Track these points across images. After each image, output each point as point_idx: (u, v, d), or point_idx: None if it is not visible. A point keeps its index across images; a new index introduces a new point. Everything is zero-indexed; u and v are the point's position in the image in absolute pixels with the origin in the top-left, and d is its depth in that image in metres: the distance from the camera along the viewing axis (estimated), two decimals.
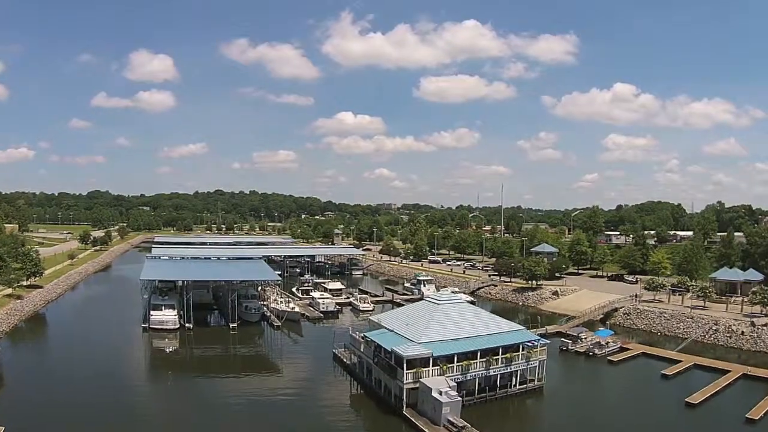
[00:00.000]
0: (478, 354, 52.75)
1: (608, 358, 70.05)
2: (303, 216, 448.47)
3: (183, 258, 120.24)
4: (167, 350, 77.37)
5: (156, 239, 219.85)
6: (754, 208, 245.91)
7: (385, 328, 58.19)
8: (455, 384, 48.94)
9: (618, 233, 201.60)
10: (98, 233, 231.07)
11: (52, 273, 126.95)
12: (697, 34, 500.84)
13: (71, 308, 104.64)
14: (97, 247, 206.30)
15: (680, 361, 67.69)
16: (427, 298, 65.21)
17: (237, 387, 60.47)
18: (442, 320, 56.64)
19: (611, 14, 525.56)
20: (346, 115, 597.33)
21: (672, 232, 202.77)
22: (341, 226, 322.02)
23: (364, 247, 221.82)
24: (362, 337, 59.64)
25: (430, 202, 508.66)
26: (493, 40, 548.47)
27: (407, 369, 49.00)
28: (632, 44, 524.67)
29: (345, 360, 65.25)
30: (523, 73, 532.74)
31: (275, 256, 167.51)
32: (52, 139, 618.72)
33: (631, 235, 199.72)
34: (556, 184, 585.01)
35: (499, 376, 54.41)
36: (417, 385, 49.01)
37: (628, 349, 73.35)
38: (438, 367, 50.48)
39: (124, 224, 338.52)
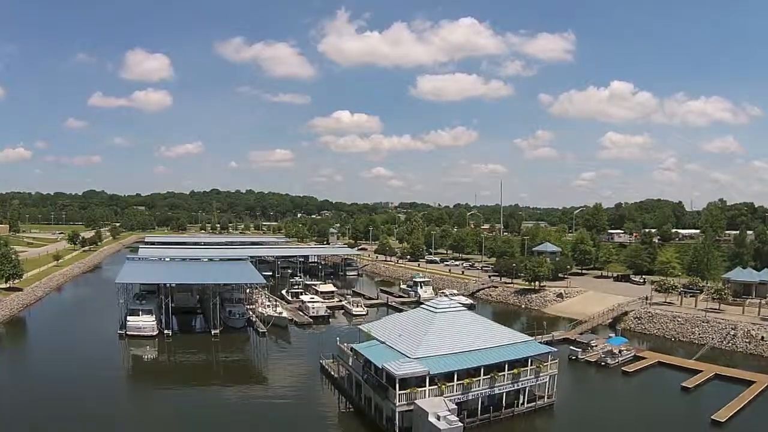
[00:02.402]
0: (482, 370, 46.66)
1: (622, 368, 64.13)
2: (299, 215, 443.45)
3: (165, 259, 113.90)
4: (143, 358, 72.12)
5: (146, 239, 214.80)
6: (756, 206, 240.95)
7: (376, 339, 51.92)
8: (455, 406, 42.84)
9: (622, 231, 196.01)
10: (89, 233, 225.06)
11: (34, 275, 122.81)
12: (695, 31, 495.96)
13: (50, 312, 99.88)
14: (86, 248, 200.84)
15: (700, 371, 62.13)
16: (424, 306, 58.53)
17: (211, 400, 54.77)
18: (440, 331, 50.36)
19: (609, 12, 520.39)
20: (343, 113, 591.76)
21: (674, 231, 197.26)
22: (337, 225, 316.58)
23: (360, 247, 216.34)
24: (351, 350, 53.54)
25: (427, 200, 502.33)
26: (490, 38, 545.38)
27: (400, 389, 42.87)
28: (630, 42, 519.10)
29: (333, 373, 59.22)
30: (521, 72, 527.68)
31: (267, 256, 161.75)
32: (49, 139, 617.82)
33: (634, 233, 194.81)
34: (553, 182, 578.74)
35: (504, 394, 48.35)
36: (411, 407, 43.04)
37: (642, 358, 67.58)
38: (436, 386, 44.39)
39: (117, 224, 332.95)
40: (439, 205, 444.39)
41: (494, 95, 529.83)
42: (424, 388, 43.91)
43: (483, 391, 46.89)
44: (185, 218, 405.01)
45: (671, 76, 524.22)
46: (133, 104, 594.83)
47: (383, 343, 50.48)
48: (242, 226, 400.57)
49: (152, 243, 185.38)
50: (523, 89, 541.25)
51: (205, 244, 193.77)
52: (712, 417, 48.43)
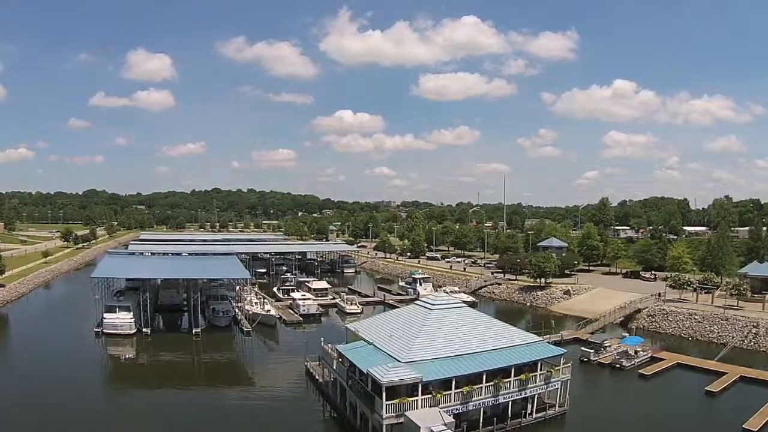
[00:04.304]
0: (484, 376, 40.38)
1: (639, 371, 58.13)
2: (300, 214, 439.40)
3: (149, 254, 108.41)
4: (116, 358, 67.22)
5: (141, 236, 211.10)
6: (762, 203, 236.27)
7: (364, 339, 45.87)
8: (452, 419, 36.80)
9: (628, 227, 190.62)
10: (83, 231, 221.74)
11: (20, 272, 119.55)
12: (699, 30, 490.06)
13: (31, 309, 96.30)
14: (79, 245, 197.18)
15: (724, 374, 56.26)
16: (418, 302, 52.08)
17: (182, 405, 49.61)
18: (436, 331, 44.15)
19: (612, 10, 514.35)
20: (346, 113, 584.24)
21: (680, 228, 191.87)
22: (338, 223, 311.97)
23: (359, 244, 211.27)
24: (335, 351, 47.65)
25: (430, 200, 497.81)
26: (492, 37, 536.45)
27: (387, 399, 36.75)
28: (632, 40, 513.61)
29: (317, 377, 53.39)
30: (523, 70, 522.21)
31: (262, 253, 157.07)
32: (51, 139, 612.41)
33: (641, 230, 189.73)
34: (555, 181, 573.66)
35: (510, 403, 42.10)
36: (401, 420, 37.01)
37: (660, 359, 61.53)
38: (430, 395, 38.26)
39: (115, 222, 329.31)
40: (442, 203, 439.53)
41: (497, 94, 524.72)
42: (416, 398, 37.81)
43: (485, 400, 40.67)
44: (185, 217, 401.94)
45: (674, 74, 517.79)
46: (135, 104, 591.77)
47: (371, 344, 44.44)
48: (242, 225, 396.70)
49: (146, 240, 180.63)
50: (525, 88, 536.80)
51: (201, 241, 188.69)
52: (744, 426, 42.75)
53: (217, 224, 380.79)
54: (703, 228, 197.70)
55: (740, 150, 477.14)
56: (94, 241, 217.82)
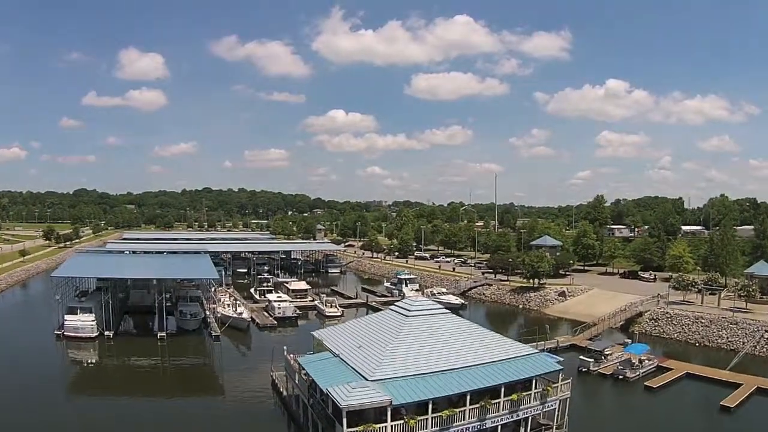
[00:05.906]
0: (468, 397, 33.78)
1: (645, 383, 52.06)
2: (290, 213, 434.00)
3: (127, 252, 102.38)
4: (76, 364, 63.05)
5: (124, 235, 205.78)
6: (758, 201, 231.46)
7: (330, 350, 39.46)
8: None
9: (624, 226, 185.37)
10: (67, 230, 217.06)
11: None
12: (692, 29, 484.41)
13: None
14: (62, 244, 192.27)
15: (738, 385, 50.56)
16: (394, 307, 44.62)
17: (132, 417, 43.79)
18: (412, 342, 37.47)
19: (605, 10, 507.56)
20: (338, 112, 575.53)
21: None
22: (327, 222, 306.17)
23: (347, 243, 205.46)
24: (297, 363, 41.18)
25: (421, 199, 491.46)
26: (485, 36, 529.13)
27: (349, 425, 30.28)
28: (626, 40, 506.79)
29: (282, 390, 47.03)
30: (516, 70, 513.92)
31: (244, 252, 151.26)
32: (44, 138, 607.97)
33: (637, 228, 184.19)
34: (548, 181, 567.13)
35: (499, 427, 35.43)
36: None
37: (667, 369, 55.58)
38: (402, 421, 31.79)
39: (101, 221, 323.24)
40: (434, 203, 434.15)
41: (489, 94, 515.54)
42: (384, 424, 31.36)
43: (469, 425, 34.03)
44: (174, 216, 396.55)
45: (667, 74, 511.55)
46: (127, 103, 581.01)
47: (337, 356, 37.81)
48: (230, 224, 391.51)
49: (128, 239, 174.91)
50: (518, 88, 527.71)
51: (183, 239, 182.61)
52: None
53: (206, 223, 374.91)
54: (700, 227, 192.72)
55: (734, 150, 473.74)
56: (77, 240, 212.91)
